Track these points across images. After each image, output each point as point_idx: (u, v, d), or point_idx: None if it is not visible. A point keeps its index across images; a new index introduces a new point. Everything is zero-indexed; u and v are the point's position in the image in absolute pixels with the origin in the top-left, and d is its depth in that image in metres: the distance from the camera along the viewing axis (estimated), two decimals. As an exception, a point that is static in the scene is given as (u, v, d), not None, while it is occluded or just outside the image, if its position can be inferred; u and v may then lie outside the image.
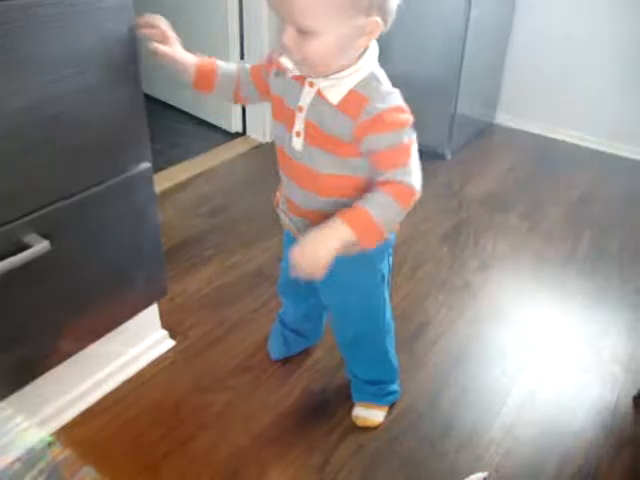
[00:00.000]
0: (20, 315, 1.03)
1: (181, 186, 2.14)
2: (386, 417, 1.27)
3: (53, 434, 1.19)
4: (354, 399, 1.28)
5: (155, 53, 1.00)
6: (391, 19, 0.88)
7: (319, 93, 0.90)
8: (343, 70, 0.88)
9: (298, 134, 0.94)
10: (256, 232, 1.87)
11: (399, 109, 0.89)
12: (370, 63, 0.90)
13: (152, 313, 1.39)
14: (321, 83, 0.89)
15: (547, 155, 2.52)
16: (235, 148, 2.49)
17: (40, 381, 1.12)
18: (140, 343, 1.38)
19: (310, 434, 1.23)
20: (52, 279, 1.05)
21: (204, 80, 1.05)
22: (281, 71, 0.95)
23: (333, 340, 1.32)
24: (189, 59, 1.03)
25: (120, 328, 1.26)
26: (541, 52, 2.54)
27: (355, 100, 0.88)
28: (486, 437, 1.25)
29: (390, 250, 1.12)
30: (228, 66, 1.06)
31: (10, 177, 0.93)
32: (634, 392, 1.35)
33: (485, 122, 2.72)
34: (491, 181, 2.28)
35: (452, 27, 2.19)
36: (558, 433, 1.27)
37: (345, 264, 1.03)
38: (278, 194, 1.12)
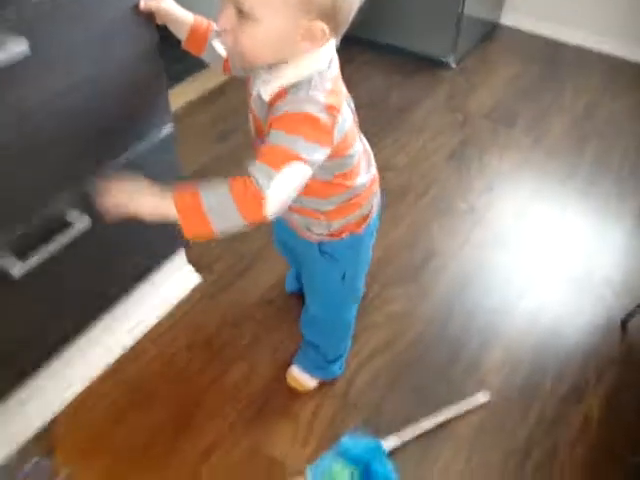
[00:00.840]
0: (59, 287, 1.13)
1: (189, 107, 2.14)
2: (398, 347, 1.41)
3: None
4: (295, 360, 1.34)
5: (146, 8, 0.99)
6: (342, 29, 0.84)
7: (259, 95, 0.88)
8: (280, 67, 0.84)
9: (252, 120, 0.95)
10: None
11: (309, 118, 0.80)
12: (312, 66, 0.84)
13: (179, 252, 1.48)
14: (262, 77, 0.87)
15: (554, 60, 2.49)
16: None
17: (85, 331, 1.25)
18: (169, 281, 1.48)
19: (332, 364, 1.38)
20: (93, 245, 1.13)
21: (194, 42, 1.02)
22: None
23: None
24: (186, 17, 1.00)
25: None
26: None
27: (278, 98, 0.84)
28: (489, 361, 1.39)
29: (360, 250, 1.10)
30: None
31: (53, 159, 0.98)
32: (622, 315, 1.48)
33: (491, 23, 2.65)
34: (496, 92, 2.28)
35: None
36: (553, 355, 1.41)
37: (315, 253, 1.07)
38: None
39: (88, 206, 1.06)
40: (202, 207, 0.79)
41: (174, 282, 1.50)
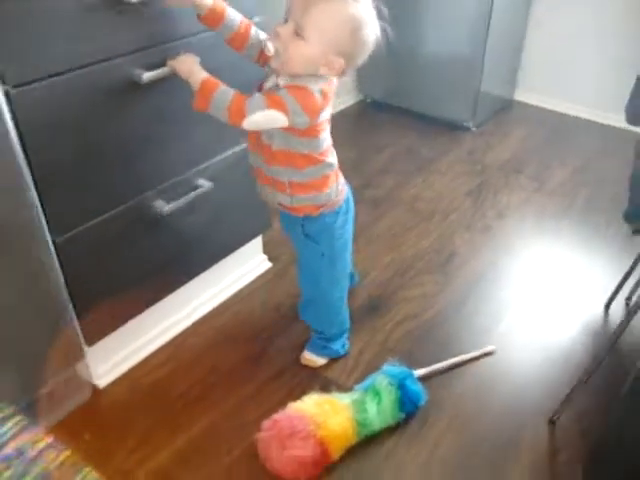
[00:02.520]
0: (184, 234, 1.57)
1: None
2: (425, 315, 1.81)
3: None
4: (307, 347, 1.65)
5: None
6: (354, 67, 1.24)
7: (277, 84, 1.23)
8: (299, 77, 1.20)
9: None
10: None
11: (307, 90, 1.17)
12: (319, 82, 1.20)
13: (256, 240, 1.92)
14: (280, 80, 1.22)
15: (558, 127, 3.00)
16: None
17: (183, 287, 1.68)
18: (248, 262, 1.92)
19: (373, 322, 1.77)
20: (205, 212, 1.58)
21: (212, 17, 1.25)
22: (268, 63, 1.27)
23: (387, 259, 1.87)
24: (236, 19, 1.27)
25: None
26: (556, 39, 3.00)
27: None
28: (497, 329, 1.77)
29: (334, 233, 1.43)
30: (235, 17, 1.27)
31: (188, 144, 1.46)
32: (602, 307, 1.86)
33: (506, 99, 3.19)
34: (509, 149, 2.78)
35: (478, 13, 2.63)
36: (544, 334, 1.78)
37: (297, 238, 1.45)
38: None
39: (212, 176, 1.54)
40: (213, 93, 1.17)
41: (252, 264, 1.93)
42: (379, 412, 1.44)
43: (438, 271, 1.99)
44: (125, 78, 1.25)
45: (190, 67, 1.22)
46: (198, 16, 1.26)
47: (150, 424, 1.47)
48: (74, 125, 1.21)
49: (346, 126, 3.01)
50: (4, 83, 1.07)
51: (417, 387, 1.52)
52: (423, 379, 1.57)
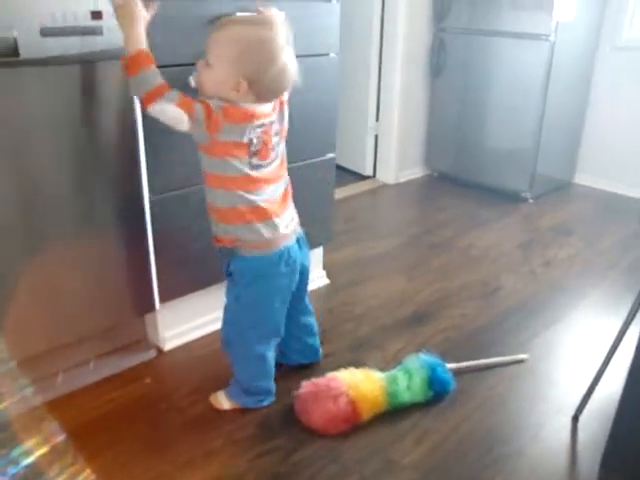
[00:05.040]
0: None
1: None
2: (465, 328, 1.96)
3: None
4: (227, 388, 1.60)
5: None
6: (266, 94, 1.30)
7: None
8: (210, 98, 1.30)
9: None
10: (383, 224, 2.65)
11: (208, 104, 1.27)
12: (222, 102, 1.29)
13: (319, 251, 2.16)
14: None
15: (613, 205, 3.16)
16: (365, 186, 3.32)
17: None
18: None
19: (415, 330, 1.94)
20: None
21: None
22: None
23: (436, 286, 2.05)
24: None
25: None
26: (612, 128, 3.24)
27: None
28: (530, 344, 1.88)
29: (257, 280, 1.42)
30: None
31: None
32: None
33: (565, 180, 3.40)
34: (561, 217, 2.96)
35: (532, 104, 2.96)
36: (577, 353, 1.88)
37: (225, 268, 1.45)
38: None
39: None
40: (146, 68, 1.26)
41: (314, 277, 2.14)
42: (409, 387, 1.59)
43: (482, 299, 2.14)
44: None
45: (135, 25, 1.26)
46: None
47: (202, 380, 1.68)
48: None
49: (413, 192, 3.34)
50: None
51: (447, 375, 1.65)
52: (455, 373, 1.69)
